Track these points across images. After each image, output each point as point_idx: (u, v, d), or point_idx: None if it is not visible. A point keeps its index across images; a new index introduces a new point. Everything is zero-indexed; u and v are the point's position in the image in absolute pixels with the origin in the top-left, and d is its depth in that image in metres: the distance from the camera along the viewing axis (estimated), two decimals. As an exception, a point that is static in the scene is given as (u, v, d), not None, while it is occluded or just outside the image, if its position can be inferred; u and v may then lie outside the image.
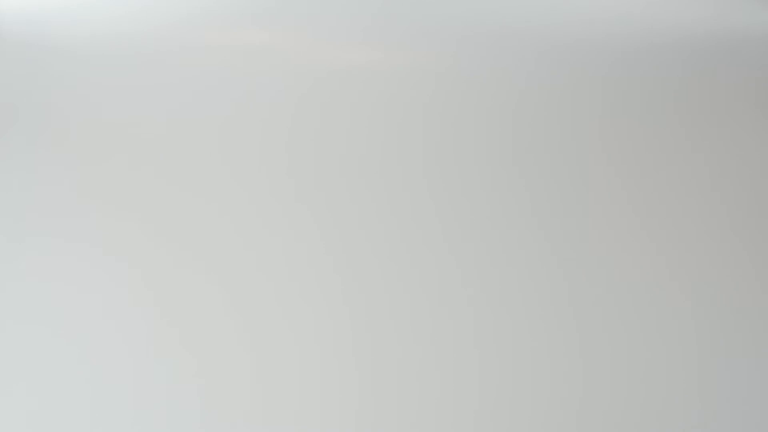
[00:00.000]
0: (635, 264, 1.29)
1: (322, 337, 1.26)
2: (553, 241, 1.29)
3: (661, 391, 1.25)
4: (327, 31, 1.34)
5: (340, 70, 1.33)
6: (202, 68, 1.35)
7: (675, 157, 1.30)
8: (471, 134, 1.31)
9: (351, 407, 1.22)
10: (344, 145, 1.30)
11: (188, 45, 1.36)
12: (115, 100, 1.34)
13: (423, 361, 1.26)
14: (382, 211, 1.29)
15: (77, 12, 1.36)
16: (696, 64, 1.34)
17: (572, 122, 1.32)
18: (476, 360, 1.26)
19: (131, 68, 1.35)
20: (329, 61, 1.34)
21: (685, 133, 1.31)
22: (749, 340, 1.27)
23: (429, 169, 1.29)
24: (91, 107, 1.33)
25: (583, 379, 1.26)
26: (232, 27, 1.36)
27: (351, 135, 1.31)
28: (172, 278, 1.26)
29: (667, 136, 1.31)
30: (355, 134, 1.31)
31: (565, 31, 1.35)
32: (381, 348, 1.26)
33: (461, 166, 1.29)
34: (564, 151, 1.30)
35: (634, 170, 1.29)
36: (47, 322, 1.24)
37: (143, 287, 1.25)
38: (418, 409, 1.25)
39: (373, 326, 1.26)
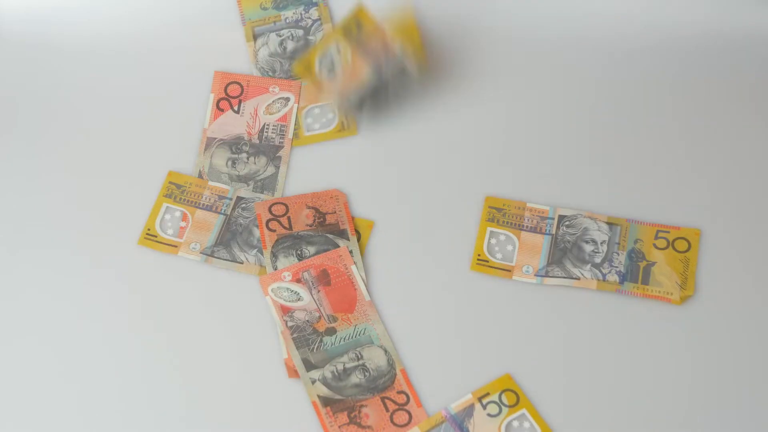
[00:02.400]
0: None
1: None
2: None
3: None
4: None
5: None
6: (203, 67, 1.31)
7: (674, 157, 1.28)
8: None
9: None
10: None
11: (188, 44, 1.32)
12: (115, 99, 1.30)
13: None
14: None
15: (77, 12, 1.32)
16: (696, 64, 1.32)
17: (574, 121, 1.30)
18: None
19: (131, 68, 1.31)
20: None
21: (683, 133, 1.29)
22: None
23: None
24: (91, 106, 1.29)
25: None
26: (232, 26, 1.33)
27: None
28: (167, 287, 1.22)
29: (666, 136, 1.29)
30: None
31: (562, 29, 1.33)
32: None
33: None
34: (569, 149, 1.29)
35: (632, 169, 1.27)
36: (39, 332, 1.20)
37: (136, 296, 1.22)
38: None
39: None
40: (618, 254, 1.23)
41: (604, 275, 1.22)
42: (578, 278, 1.22)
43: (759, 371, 1.18)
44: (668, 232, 1.23)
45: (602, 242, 1.23)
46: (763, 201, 1.27)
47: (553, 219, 1.24)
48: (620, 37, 1.33)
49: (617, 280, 1.22)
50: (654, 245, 1.23)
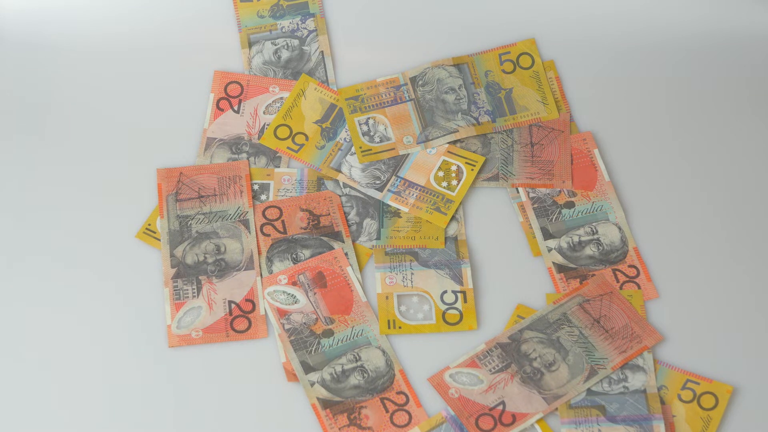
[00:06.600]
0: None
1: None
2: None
3: None
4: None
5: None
6: (203, 67, 1.25)
7: (675, 156, 1.23)
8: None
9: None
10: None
11: (188, 44, 1.26)
12: (114, 99, 1.24)
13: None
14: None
15: (77, 12, 1.26)
16: (696, 64, 1.27)
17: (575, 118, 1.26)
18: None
19: (131, 68, 1.25)
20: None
21: (683, 132, 1.24)
22: None
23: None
24: (91, 106, 1.23)
25: None
26: (232, 27, 1.27)
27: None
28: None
29: (665, 135, 1.24)
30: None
31: (561, 28, 1.28)
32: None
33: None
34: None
35: (632, 168, 1.22)
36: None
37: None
38: None
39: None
40: (478, 93, 1.23)
41: (476, 119, 1.22)
42: (456, 130, 1.21)
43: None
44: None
45: (459, 87, 1.23)
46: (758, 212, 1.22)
47: (406, 84, 1.23)
48: (619, 37, 1.29)
49: (489, 120, 1.22)
50: (502, 71, 1.24)
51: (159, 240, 1.17)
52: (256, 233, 1.17)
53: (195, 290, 1.14)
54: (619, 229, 1.18)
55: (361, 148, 1.21)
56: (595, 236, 1.18)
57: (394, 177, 1.20)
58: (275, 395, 1.11)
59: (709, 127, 1.26)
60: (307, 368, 1.11)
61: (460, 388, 1.11)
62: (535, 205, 1.19)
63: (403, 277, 1.16)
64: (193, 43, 1.26)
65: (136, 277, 1.15)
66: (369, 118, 1.23)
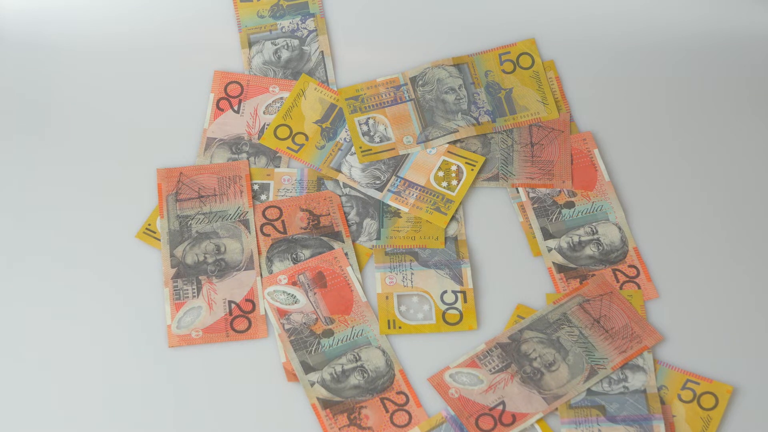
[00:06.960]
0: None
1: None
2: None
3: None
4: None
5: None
6: (202, 67, 1.24)
7: (675, 156, 1.23)
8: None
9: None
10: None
11: (188, 44, 1.25)
12: (114, 99, 1.23)
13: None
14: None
15: (77, 12, 1.25)
16: (696, 64, 1.27)
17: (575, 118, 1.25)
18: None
19: (131, 68, 1.24)
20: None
21: (683, 132, 1.24)
22: None
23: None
24: (91, 106, 1.23)
25: None
26: (232, 27, 1.26)
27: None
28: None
29: (665, 135, 1.24)
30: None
31: (561, 28, 1.27)
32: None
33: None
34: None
35: (632, 168, 1.22)
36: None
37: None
38: None
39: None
40: (478, 93, 1.22)
41: (476, 119, 1.21)
42: (456, 130, 1.20)
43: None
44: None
45: (459, 87, 1.23)
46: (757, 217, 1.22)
47: (406, 84, 1.23)
48: (619, 37, 1.28)
49: (489, 120, 1.21)
50: (502, 71, 1.24)
51: (159, 240, 1.16)
52: (256, 233, 1.16)
53: (195, 290, 1.14)
54: (619, 229, 1.18)
55: (361, 148, 1.21)
56: (595, 236, 1.18)
57: (394, 177, 1.20)
58: (275, 395, 1.11)
59: (709, 127, 1.25)
60: (307, 368, 1.11)
61: (460, 388, 1.10)
62: (535, 205, 1.18)
63: (403, 277, 1.15)
64: (193, 43, 1.26)
65: (136, 277, 1.15)
66: (369, 118, 1.22)
